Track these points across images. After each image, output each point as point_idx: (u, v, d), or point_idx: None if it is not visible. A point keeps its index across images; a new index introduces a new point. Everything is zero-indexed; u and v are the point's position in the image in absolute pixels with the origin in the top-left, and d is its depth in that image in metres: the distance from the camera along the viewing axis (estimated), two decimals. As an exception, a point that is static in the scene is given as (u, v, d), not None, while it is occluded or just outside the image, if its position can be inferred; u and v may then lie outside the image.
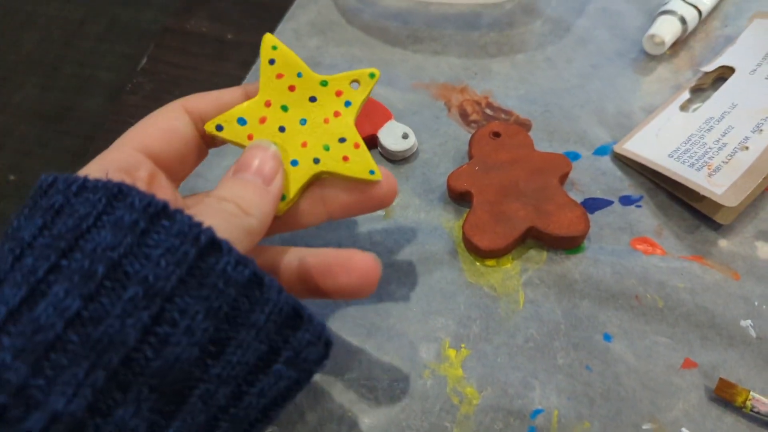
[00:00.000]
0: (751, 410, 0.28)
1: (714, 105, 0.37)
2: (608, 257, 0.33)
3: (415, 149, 0.37)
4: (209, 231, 0.19)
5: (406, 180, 0.36)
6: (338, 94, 0.27)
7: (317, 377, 0.30)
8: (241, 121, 0.26)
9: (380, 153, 0.37)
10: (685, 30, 0.39)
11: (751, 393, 0.28)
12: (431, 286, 0.32)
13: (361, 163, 0.26)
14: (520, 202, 0.33)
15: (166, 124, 0.26)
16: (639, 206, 0.35)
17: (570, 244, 0.33)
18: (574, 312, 0.31)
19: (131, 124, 0.25)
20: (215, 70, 0.41)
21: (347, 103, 0.27)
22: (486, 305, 0.32)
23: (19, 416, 0.16)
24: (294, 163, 0.26)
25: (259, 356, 0.20)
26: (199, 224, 0.19)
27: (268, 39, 0.27)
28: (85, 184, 0.20)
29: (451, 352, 0.30)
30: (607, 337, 0.30)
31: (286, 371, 0.21)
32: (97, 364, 0.17)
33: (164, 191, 0.25)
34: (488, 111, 0.38)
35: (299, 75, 0.27)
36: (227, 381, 0.20)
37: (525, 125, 0.38)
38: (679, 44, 0.41)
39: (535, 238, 0.33)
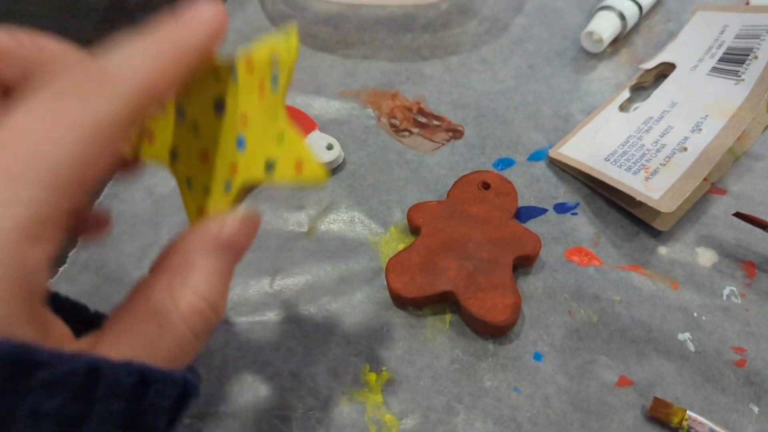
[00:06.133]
0: (688, 431, 0.26)
1: (654, 104, 0.35)
2: (540, 270, 0.31)
3: (340, 161, 0.35)
4: None
5: (331, 193, 0.34)
6: (249, 69, 0.19)
7: (229, 410, 0.28)
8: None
9: (304, 165, 0.35)
10: (624, 26, 0.38)
11: (688, 412, 0.26)
12: (354, 307, 0.30)
13: (312, 169, 0.18)
14: (457, 263, 0.30)
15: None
16: (575, 214, 0.33)
17: (485, 330, 0.29)
18: (503, 330, 0.29)
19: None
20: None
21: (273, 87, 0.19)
22: (410, 325, 0.30)
23: None
24: (228, 186, 0.20)
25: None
26: None
27: None
28: None
29: (371, 377, 0.29)
30: (538, 357, 0.29)
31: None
32: None
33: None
34: (420, 118, 0.37)
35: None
36: None
37: (457, 131, 0.36)
38: (620, 41, 0.39)
39: (453, 306, 0.30)
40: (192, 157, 0.19)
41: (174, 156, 0.19)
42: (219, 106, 0.19)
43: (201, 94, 0.19)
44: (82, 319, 0.19)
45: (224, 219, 0.18)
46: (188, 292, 0.17)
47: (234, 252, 0.18)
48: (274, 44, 0.18)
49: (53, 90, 0.14)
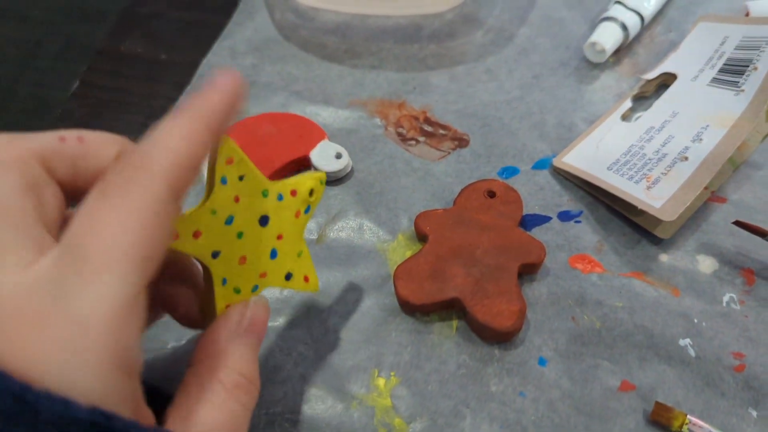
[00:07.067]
0: (688, 435, 0.27)
1: (655, 114, 0.36)
2: (545, 277, 0.32)
3: (349, 169, 0.35)
4: None
5: (340, 201, 0.35)
6: (293, 193, 0.25)
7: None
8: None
9: (314, 174, 0.36)
10: (627, 36, 0.38)
11: (688, 417, 0.27)
12: (363, 313, 0.31)
13: (314, 282, 0.28)
14: (464, 270, 0.30)
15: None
16: (578, 222, 0.33)
17: (491, 336, 0.29)
18: (508, 335, 0.30)
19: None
20: (149, 92, 0.40)
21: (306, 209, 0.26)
22: (418, 330, 0.31)
23: None
24: (255, 289, 0.25)
25: None
26: None
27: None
28: None
29: (380, 381, 0.29)
30: (542, 362, 0.29)
31: None
32: None
33: None
34: (426, 127, 0.37)
35: (241, 178, 0.22)
36: None
37: (463, 140, 0.37)
38: (622, 51, 0.40)
39: (460, 313, 0.30)
40: (232, 259, 0.23)
41: (215, 255, 0.22)
42: (263, 220, 0.24)
43: (251, 208, 0.23)
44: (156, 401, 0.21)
45: (243, 310, 0.23)
46: (229, 371, 0.21)
47: (255, 334, 0.23)
48: (311, 182, 0.26)
49: (108, 185, 0.17)
